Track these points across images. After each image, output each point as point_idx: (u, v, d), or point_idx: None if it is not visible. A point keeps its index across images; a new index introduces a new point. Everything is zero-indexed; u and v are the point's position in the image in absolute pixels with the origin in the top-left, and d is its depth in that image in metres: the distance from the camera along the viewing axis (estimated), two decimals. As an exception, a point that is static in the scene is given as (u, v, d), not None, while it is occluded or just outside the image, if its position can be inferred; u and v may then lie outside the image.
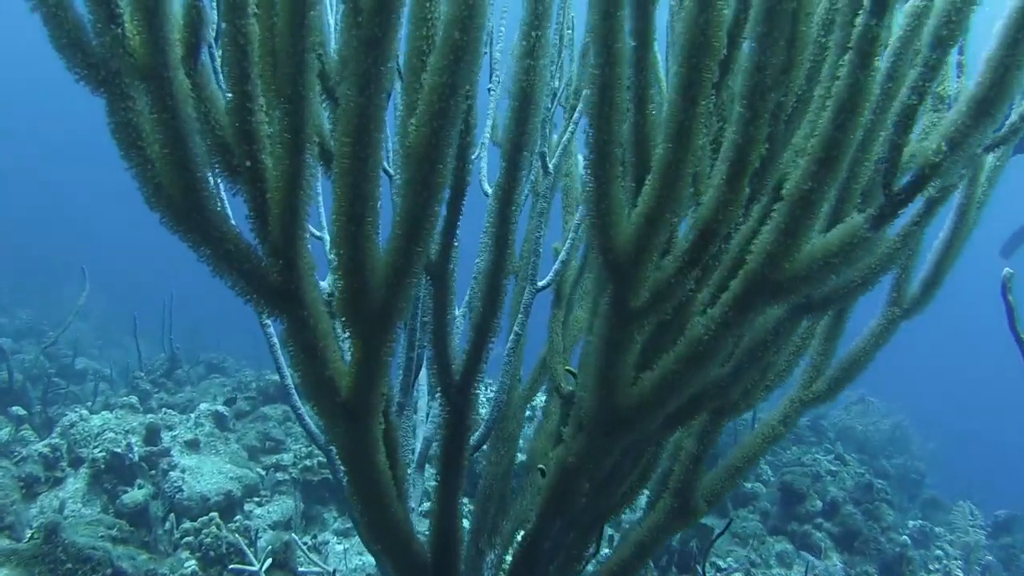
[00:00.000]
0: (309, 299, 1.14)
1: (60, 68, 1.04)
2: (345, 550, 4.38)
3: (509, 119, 1.23)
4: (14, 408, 5.19)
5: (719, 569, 4.52)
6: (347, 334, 1.18)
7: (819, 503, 5.38)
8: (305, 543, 4.34)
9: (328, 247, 2.06)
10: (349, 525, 4.58)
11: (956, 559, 5.26)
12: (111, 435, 4.52)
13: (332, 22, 1.79)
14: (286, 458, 5.04)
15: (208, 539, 3.73)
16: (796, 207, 1.07)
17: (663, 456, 1.71)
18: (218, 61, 1.49)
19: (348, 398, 1.21)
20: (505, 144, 1.25)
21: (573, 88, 2.05)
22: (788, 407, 1.74)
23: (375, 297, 1.11)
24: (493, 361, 1.50)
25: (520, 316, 1.90)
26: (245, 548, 3.56)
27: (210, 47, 1.49)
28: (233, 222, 1.12)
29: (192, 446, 4.80)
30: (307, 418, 2.02)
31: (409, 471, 2.01)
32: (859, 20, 1.01)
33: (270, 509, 4.58)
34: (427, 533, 1.52)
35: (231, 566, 3.58)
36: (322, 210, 2.09)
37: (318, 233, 2.10)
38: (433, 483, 1.51)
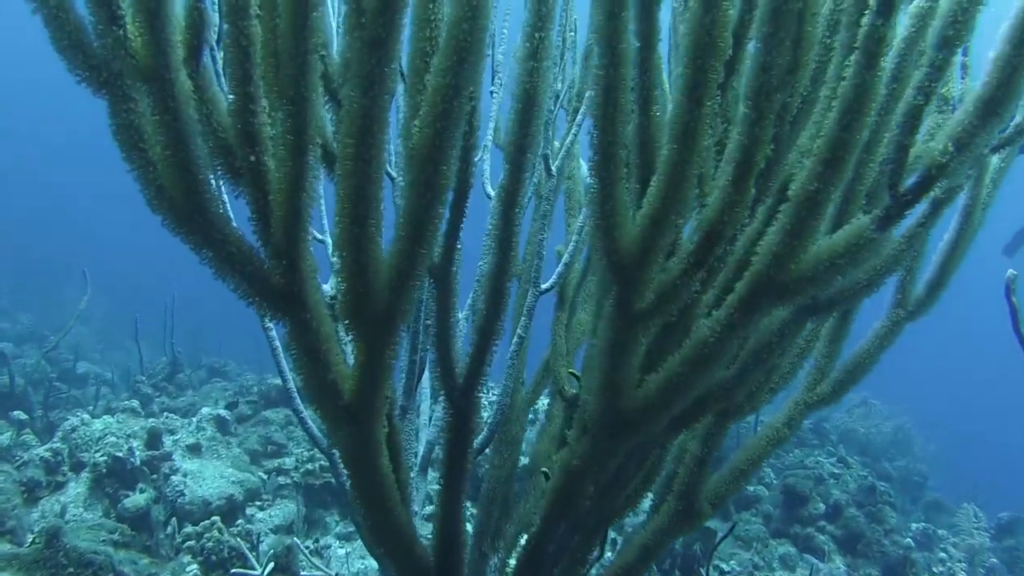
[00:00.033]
0: (312, 301, 1.14)
1: (61, 69, 1.04)
2: (347, 554, 4.37)
3: (512, 120, 1.22)
4: (15, 412, 5.18)
5: (722, 572, 4.51)
6: (350, 337, 1.17)
7: (822, 506, 5.37)
8: (307, 547, 4.33)
9: (330, 250, 2.05)
10: (351, 529, 4.57)
11: (960, 562, 5.25)
12: (113, 439, 4.52)
13: (334, 25, 1.79)
14: (288, 462, 5.04)
15: (210, 543, 3.72)
16: (802, 208, 1.07)
17: (667, 459, 1.70)
18: (220, 63, 1.49)
19: (351, 401, 1.20)
20: (508, 146, 1.25)
21: (576, 91, 2.05)
22: (792, 409, 1.74)
23: (378, 299, 1.11)
24: (496, 364, 1.49)
25: (523, 319, 1.89)
26: (247, 552, 3.55)
27: (212, 49, 1.48)
28: (235, 224, 1.12)
29: (194, 450, 4.80)
30: (309, 422, 2.02)
31: (412, 475, 2.00)
32: (865, 20, 1.00)
33: (272, 513, 4.58)
34: (430, 537, 1.51)
35: (233, 570, 3.57)
36: (324, 213, 2.08)
37: (320, 236, 2.09)
38: (436, 487, 1.50)
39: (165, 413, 5.65)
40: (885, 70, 1.03)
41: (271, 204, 1.07)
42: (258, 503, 4.62)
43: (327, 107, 1.50)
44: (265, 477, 4.88)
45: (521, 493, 2.10)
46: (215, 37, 1.44)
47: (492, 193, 1.88)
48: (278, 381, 6.04)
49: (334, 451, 1.97)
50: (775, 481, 5.76)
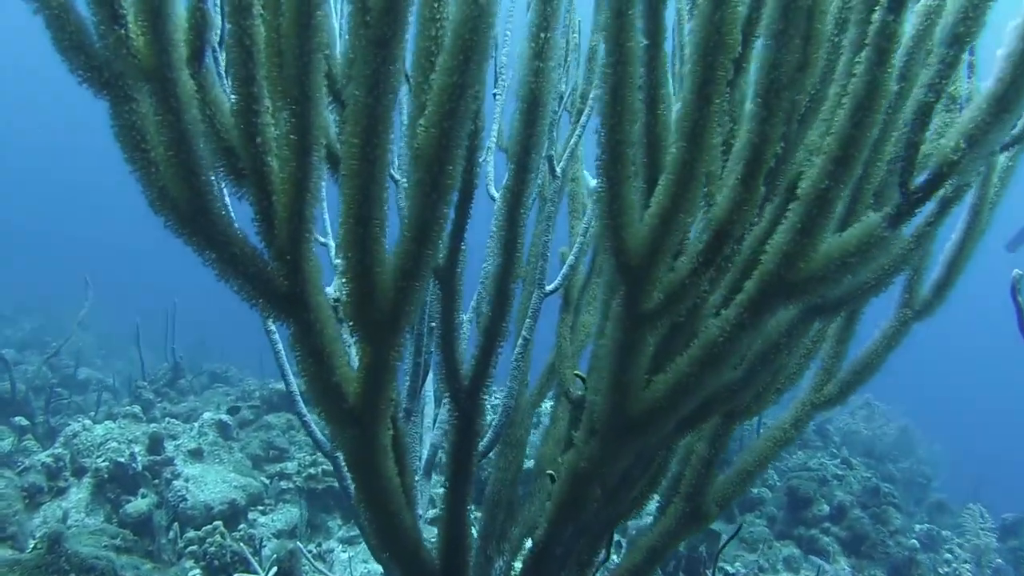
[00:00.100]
0: (315, 303, 1.13)
1: (64, 73, 1.03)
2: (350, 558, 4.36)
3: (518, 121, 1.21)
4: (17, 418, 5.17)
5: (727, 574, 4.50)
6: (355, 339, 1.16)
7: (826, 507, 5.35)
8: (310, 551, 4.31)
9: (333, 253, 2.05)
10: (354, 533, 4.56)
11: (966, 562, 5.23)
12: (114, 445, 4.51)
13: (337, 26, 1.78)
14: (290, 466, 5.03)
15: (212, 548, 3.71)
16: (813, 206, 1.06)
17: (673, 461, 1.69)
18: (222, 65, 1.48)
19: (356, 404, 1.19)
20: (514, 146, 1.24)
21: (579, 93, 2.04)
22: (799, 410, 1.72)
23: (383, 301, 1.10)
24: (500, 367, 1.48)
25: (528, 320, 1.88)
26: (250, 557, 3.54)
27: (214, 51, 1.47)
28: (238, 226, 1.11)
29: (196, 455, 4.79)
30: (313, 425, 2.01)
31: (416, 478, 1.99)
32: (876, 16, 1.00)
33: (274, 518, 4.57)
34: (435, 540, 1.50)
35: (236, 575, 3.56)
36: (327, 216, 2.08)
37: (323, 239, 2.09)
38: (441, 490, 1.49)
39: (167, 418, 5.64)
40: (895, 67, 1.02)
41: (275, 205, 1.06)
42: (260, 508, 4.61)
43: (330, 108, 1.49)
44: (267, 482, 4.87)
45: (526, 496, 2.09)
46: (217, 39, 1.43)
47: (496, 195, 1.87)
48: (280, 386, 6.04)
49: (338, 455, 1.96)
50: (779, 483, 5.75)
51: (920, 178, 1.10)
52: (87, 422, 4.83)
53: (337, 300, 1.71)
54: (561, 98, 1.95)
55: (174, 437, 5.00)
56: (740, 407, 1.53)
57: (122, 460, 4.27)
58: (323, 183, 1.10)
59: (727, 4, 0.97)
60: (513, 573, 2.00)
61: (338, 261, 1.96)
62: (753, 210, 1.10)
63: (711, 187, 1.26)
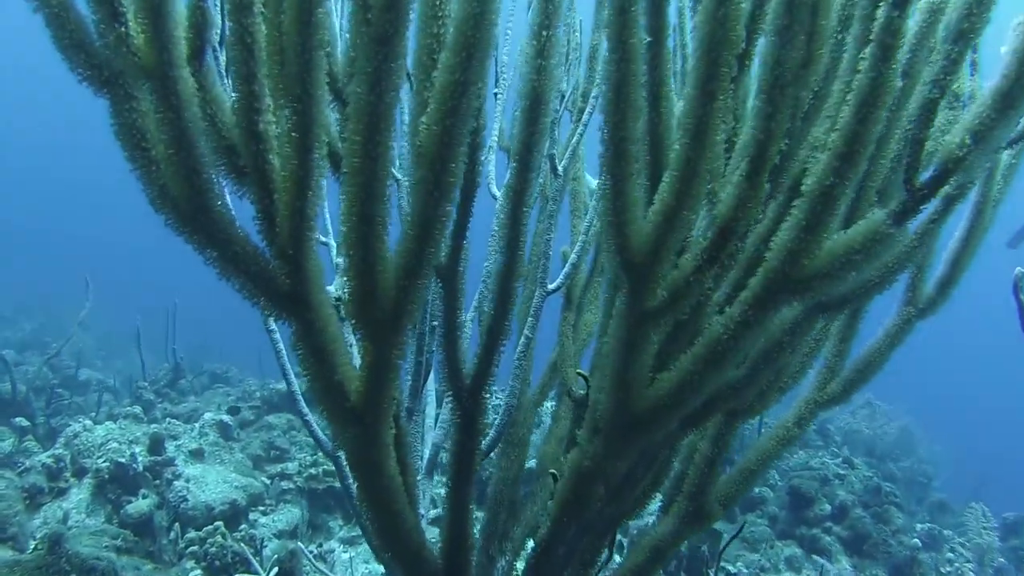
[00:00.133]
0: (317, 302, 1.12)
1: (64, 73, 1.02)
2: (351, 558, 4.35)
3: (520, 119, 1.21)
4: (17, 419, 5.17)
5: (729, 574, 4.49)
6: (357, 337, 1.16)
7: (828, 507, 5.35)
8: (311, 551, 4.31)
9: (334, 253, 2.04)
10: (355, 533, 4.56)
11: (968, 562, 5.22)
12: (115, 445, 4.51)
13: (337, 26, 1.78)
14: (291, 467, 5.02)
15: (213, 548, 3.71)
16: (817, 203, 1.05)
17: (676, 459, 1.69)
18: (223, 64, 1.48)
19: (358, 402, 1.19)
20: (516, 144, 1.23)
21: (580, 92, 2.04)
22: (802, 409, 1.72)
23: (386, 299, 1.09)
24: (501, 366, 1.47)
25: (530, 319, 1.88)
26: (251, 557, 3.53)
27: (214, 50, 1.47)
28: (239, 224, 1.10)
29: (196, 456, 4.78)
30: (314, 425, 2.00)
31: (418, 477, 1.98)
32: (880, 12, 0.99)
33: (275, 518, 4.56)
34: (437, 540, 1.50)
35: (237, 575, 3.55)
36: (327, 215, 2.07)
37: (324, 239, 2.08)
38: (443, 489, 1.48)
39: (167, 419, 5.64)
40: (899, 63, 1.02)
41: (276, 203, 1.06)
42: (261, 508, 4.61)
43: (332, 107, 1.48)
44: (268, 482, 4.87)
45: (528, 495, 2.08)
46: (218, 38, 1.43)
47: (497, 194, 1.86)
48: (280, 386, 6.05)
49: (339, 454, 1.96)
50: (780, 483, 5.74)
51: (925, 175, 1.10)
52: (88, 423, 4.83)
53: (338, 299, 1.70)
54: (562, 97, 1.95)
55: (175, 437, 4.99)
56: (743, 405, 1.53)
57: (123, 461, 4.27)
58: (324, 182, 1.09)
59: (731, 0, 0.96)
60: (515, 573, 1.99)
61: (340, 259, 1.96)
62: (758, 207, 1.09)
63: (714, 184, 1.26)
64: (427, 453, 2.07)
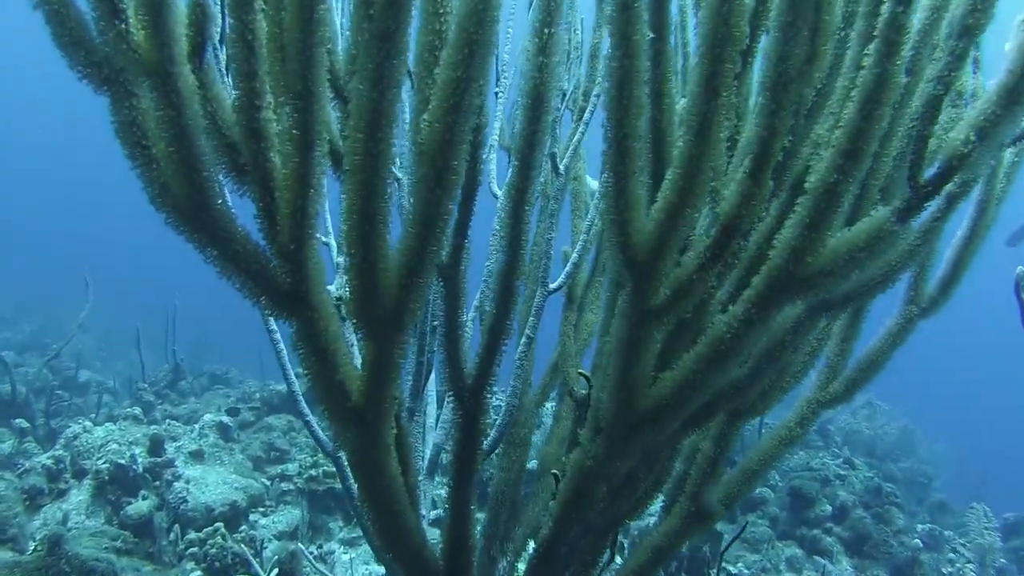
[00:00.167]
0: (318, 300, 1.12)
1: (65, 74, 1.01)
2: (351, 559, 4.35)
3: (522, 117, 1.20)
4: (17, 420, 5.17)
5: (730, 575, 4.48)
6: (358, 336, 1.15)
7: (828, 507, 5.34)
8: (311, 553, 4.30)
9: (334, 252, 2.04)
10: (355, 535, 4.55)
11: (969, 562, 5.21)
12: (115, 446, 4.50)
13: (338, 24, 1.77)
14: (291, 468, 5.01)
15: (213, 550, 3.70)
16: (821, 200, 1.04)
17: (678, 460, 1.68)
18: (223, 62, 1.47)
19: (359, 402, 1.18)
20: (518, 142, 1.23)
21: (581, 90, 2.03)
22: (805, 408, 1.71)
23: (388, 298, 1.08)
24: (503, 367, 1.47)
25: (532, 319, 1.87)
26: (251, 558, 3.53)
27: (215, 48, 1.46)
28: (240, 222, 1.09)
29: (196, 457, 4.78)
30: (315, 425, 2.00)
31: (419, 478, 1.98)
32: (884, 8, 0.98)
33: (275, 519, 4.56)
34: (438, 541, 1.49)
35: (237, 577, 3.55)
36: (328, 215, 2.06)
37: (324, 239, 2.07)
38: (444, 490, 1.48)
39: (167, 420, 5.63)
40: (903, 59, 1.01)
41: (277, 201, 1.05)
42: (261, 509, 4.60)
43: (332, 105, 1.48)
44: (268, 483, 4.86)
45: (529, 496, 2.08)
46: (218, 36, 1.42)
47: (498, 193, 1.86)
48: (280, 387, 6.04)
49: (340, 455, 1.95)
50: (780, 484, 5.74)
51: (929, 172, 1.09)
52: (88, 424, 4.82)
53: (339, 299, 1.70)
54: (564, 96, 1.94)
55: (175, 439, 4.99)
56: (746, 405, 1.52)
57: (123, 462, 4.26)
58: (324, 180, 1.08)
59: (734, -5, 0.96)
60: (516, 574, 1.98)
61: (341, 258, 1.95)
62: (761, 204, 1.09)
63: (716, 182, 1.25)
64: (428, 454, 2.06)
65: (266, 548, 4.14)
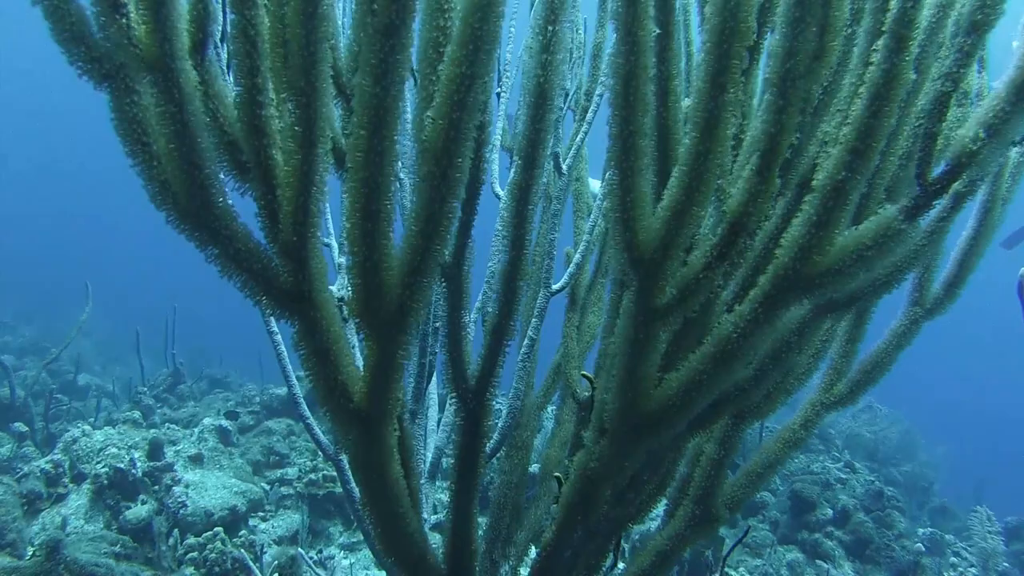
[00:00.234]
0: (321, 300, 1.10)
1: (63, 69, 1.00)
2: (351, 564, 4.33)
3: (525, 115, 1.19)
4: (16, 424, 5.15)
5: (731, 580, 4.47)
6: (361, 337, 1.14)
7: (829, 511, 5.33)
8: (311, 558, 4.28)
9: (336, 254, 2.02)
10: (355, 539, 4.53)
11: (972, 566, 5.20)
12: (114, 450, 4.48)
13: (340, 21, 1.76)
14: (291, 472, 5.00)
15: (213, 555, 3.68)
16: (829, 198, 1.03)
17: (682, 462, 1.67)
18: (224, 59, 1.46)
19: (361, 403, 1.17)
20: (521, 141, 1.22)
21: (584, 90, 2.03)
22: (809, 411, 1.70)
23: (391, 297, 1.07)
24: (505, 369, 1.46)
25: (534, 320, 1.86)
26: (250, 563, 3.51)
27: (216, 46, 1.45)
28: (242, 221, 1.08)
29: (196, 461, 4.76)
30: (315, 428, 1.98)
31: (421, 481, 1.96)
32: (893, 4, 0.98)
33: (275, 524, 4.54)
34: (439, 546, 1.48)
35: (237, 582, 3.53)
36: (329, 217, 2.05)
37: (325, 240, 2.06)
38: (448, 493, 1.46)
39: (167, 424, 5.62)
40: (913, 55, 1.00)
41: (279, 199, 1.04)
42: (261, 514, 4.59)
43: (335, 103, 1.47)
44: (268, 488, 4.85)
45: (531, 500, 2.06)
46: (219, 35, 1.41)
47: (500, 194, 1.85)
48: (280, 391, 6.03)
49: (341, 457, 1.94)
50: (781, 487, 5.72)
51: (938, 169, 1.08)
52: (87, 428, 4.81)
53: (341, 299, 1.68)
54: (566, 96, 1.93)
55: (174, 443, 4.97)
56: (751, 407, 1.51)
57: (122, 466, 4.24)
58: (329, 176, 1.07)
59: (742, -9, 0.95)
60: (519, 577, 1.97)
61: (343, 258, 1.94)
62: (769, 202, 1.08)
63: (723, 181, 1.24)
64: (429, 457, 2.05)
65: (266, 553, 4.12)
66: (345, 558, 4.42)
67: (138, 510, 3.99)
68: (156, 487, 4.30)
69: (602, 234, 1.99)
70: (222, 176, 1.08)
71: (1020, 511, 6.36)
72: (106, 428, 4.96)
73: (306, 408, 1.99)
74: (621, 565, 1.72)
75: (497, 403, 1.46)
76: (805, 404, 1.72)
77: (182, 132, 0.98)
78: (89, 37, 0.96)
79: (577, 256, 1.95)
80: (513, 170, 1.28)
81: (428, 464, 2.04)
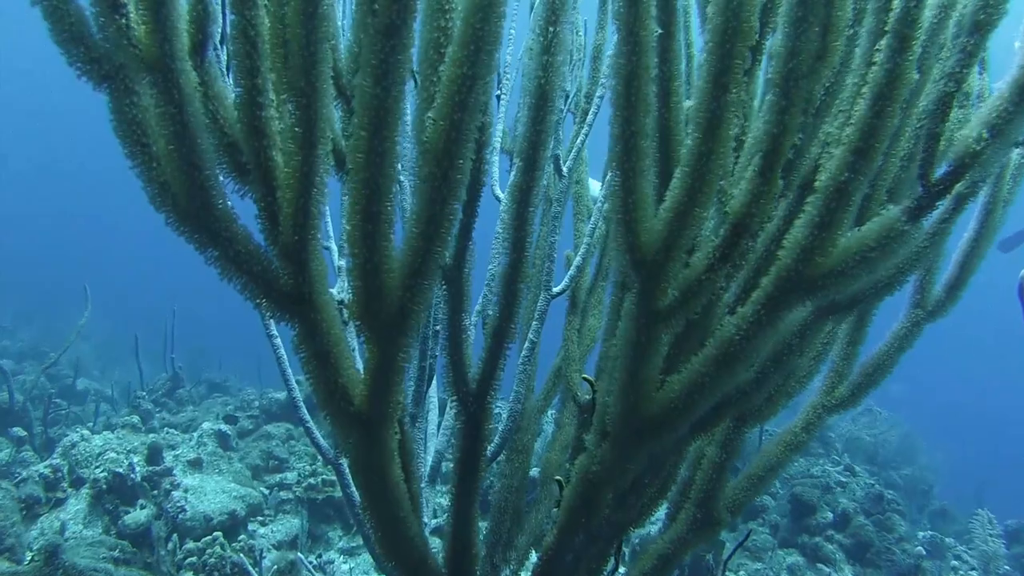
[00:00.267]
0: (321, 302, 1.10)
1: (63, 68, 1.00)
2: (351, 569, 4.32)
3: (526, 116, 1.19)
4: (15, 429, 5.14)
5: (732, 583, 4.46)
6: (361, 340, 1.13)
7: (830, 514, 5.32)
8: (310, 562, 4.27)
9: (336, 256, 2.02)
10: (354, 544, 4.52)
11: (973, 569, 5.19)
12: (113, 455, 4.47)
13: (341, 22, 1.76)
14: (290, 477, 4.99)
15: (212, 559, 3.67)
16: (832, 199, 1.03)
17: (683, 466, 1.66)
18: (224, 61, 1.46)
19: (362, 406, 1.16)
20: (522, 142, 1.21)
21: (584, 92, 2.02)
22: (810, 414, 1.69)
23: (392, 300, 1.07)
24: (505, 372, 1.45)
25: (535, 323, 1.85)
26: (250, 568, 3.50)
27: (215, 48, 1.45)
28: (242, 222, 1.08)
29: (195, 465, 4.75)
30: (315, 431, 1.97)
31: (421, 485, 1.95)
32: (896, 3, 0.97)
33: (274, 528, 4.53)
34: (440, 550, 1.47)
35: (236, 586, 3.52)
36: (329, 220, 2.05)
37: (325, 243, 2.06)
38: (448, 497, 1.46)
39: (166, 428, 5.61)
40: (916, 55, 1.00)
41: (279, 201, 1.03)
42: (260, 518, 4.57)
43: (336, 104, 1.46)
44: (267, 492, 4.83)
45: (531, 504, 2.06)
46: (219, 36, 1.41)
47: (501, 196, 1.84)
48: (279, 395, 6.02)
49: (341, 461, 1.93)
50: (781, 491, 5.71)
51: (941, 170, 1.08)
52: (85, 432, 4.80)
53: (341, 302, 1.68)
54: (567, 98, 1.93)
55: (173, 447, 4.96)
56: (752, 410, 1.50)
57: (121, 470, 4.23)
58: (329, 177, 1.06)
59: (745, -9, 0.94)
60: (520, 582, 1.96)
61: (343, 261, 1.94)
62: (771, 203, 1.07)
63: (725, 182, 1.24)
64: (430, 461, 2.04)
65: (265, 558, 4.11)
66: (345, 562, 4.40)
67: (137, 515, 3.98)
68: (155, 492, 4.29)
69: (602, 237, 1.98)
70: (222, 178, 1.08)
71: (1021, 514, 6.35)
72: (105, 433, 4.95)
73: (306, 412, 1.98)
74: (622, 569, 1.71)
75: (498, 406, 1.45)
76: (806, 407, 1.71)
77: (182, 133, 0.97)
78: (88, 38, 0.96)
79: (578, 259, 1.94)
80: (513, 172, 1.28)
81: (428, 468, 2.04)
